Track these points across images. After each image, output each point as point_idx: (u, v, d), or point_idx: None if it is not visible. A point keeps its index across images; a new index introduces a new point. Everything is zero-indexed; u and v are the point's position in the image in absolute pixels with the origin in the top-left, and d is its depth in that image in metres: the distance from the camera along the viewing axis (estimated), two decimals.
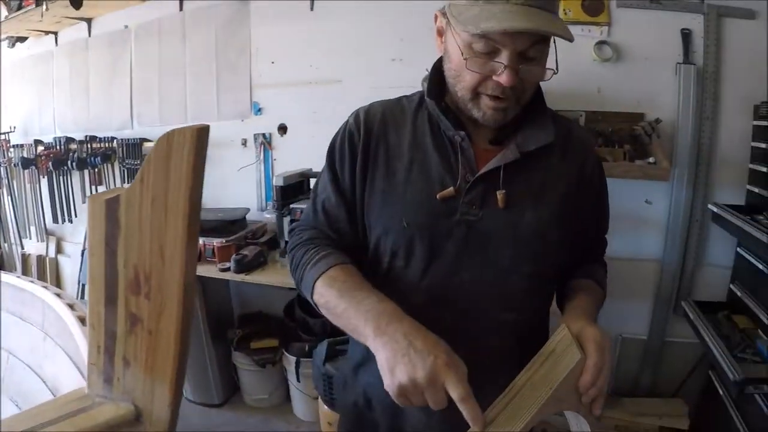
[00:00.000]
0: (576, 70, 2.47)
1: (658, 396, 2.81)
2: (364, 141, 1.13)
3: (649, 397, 2.81)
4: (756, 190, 2.28)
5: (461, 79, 1.00)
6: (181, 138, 0.78)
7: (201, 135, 0.78)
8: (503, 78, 0.92)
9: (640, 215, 2.59)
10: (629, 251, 2.56)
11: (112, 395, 0.90)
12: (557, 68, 0.99)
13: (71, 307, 1.64)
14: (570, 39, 0.91)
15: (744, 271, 2.38)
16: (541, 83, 1.06)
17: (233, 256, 2.71)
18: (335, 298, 0.99)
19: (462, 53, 0.95)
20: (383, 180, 1.11)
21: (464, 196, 1.06)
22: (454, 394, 0.80)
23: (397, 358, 0.84)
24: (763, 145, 2.21)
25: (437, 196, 1.06)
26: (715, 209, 2.31)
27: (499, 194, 1.05)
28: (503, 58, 0.92)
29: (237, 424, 3.04)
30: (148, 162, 0.81)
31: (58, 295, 1.66)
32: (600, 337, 0.94)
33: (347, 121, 1.16)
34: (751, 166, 2.33)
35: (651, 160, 2.23)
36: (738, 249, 2.43)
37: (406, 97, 1.19)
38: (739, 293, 2.35)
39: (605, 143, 2.35)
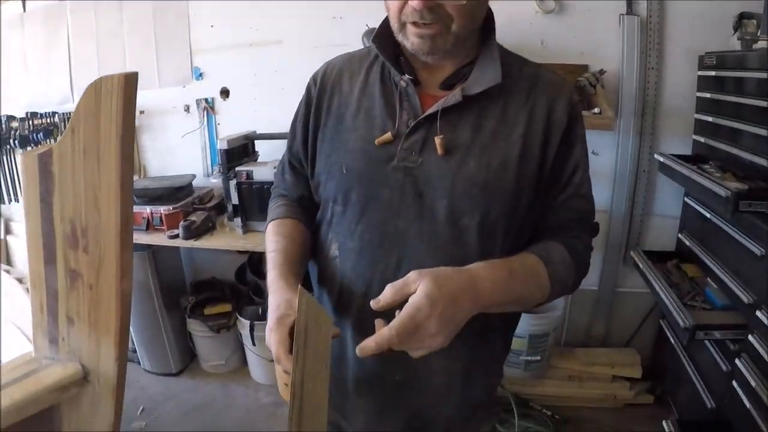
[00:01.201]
0: (519, 23, 2.51)
1: (610, 346, 2.92)
2: (319, 92, 1.18)
3: (602, 347, 2.92)
4: (702, 139, 2.37)
5: (388, 11, 1.01)
6: (109, 85, 0.78)
7: (129, 81, 0.78)
8: (415, 1, 0.93)
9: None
10: None
11: (58, 356, 0.91)
12: None
13: (20, 281, 1.63)
14: None
15: (692, 220, 2.49)
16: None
17: (181, 222, 2.71)
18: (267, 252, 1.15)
19: None
20: (332, 128, 1.15)
21: (403, 142, 1.06)
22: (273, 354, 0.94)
23: None
24: (708, 95, 2.29)
25: (375, 142, 1.07)
26: (661, 159, 2.39)
27: (437, 140, 1.03)
28: None
29: (196, 392, 3.08)
30: (78, 112, 0.80)
31: (7, 271, 1.66)
32: (420, 295, 0.86)
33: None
34: (696, 116, 2.42)
35: (596, 110, 2.29)
36: (685, 198, 2.53)
37: (369, 48, 1.18)
38: (687, 242, 2.46)
39: None
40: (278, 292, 1.04)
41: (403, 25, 1.00)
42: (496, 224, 1.06)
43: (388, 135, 1.06)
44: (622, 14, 2.43)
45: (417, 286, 0.86)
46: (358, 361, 1.13)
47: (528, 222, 1.10)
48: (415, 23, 0.97)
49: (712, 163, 2.20)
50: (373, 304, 0.90)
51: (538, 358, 2.68)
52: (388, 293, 0.89)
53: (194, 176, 3.09)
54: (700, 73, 2.38)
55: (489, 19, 1.09)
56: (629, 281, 2.80)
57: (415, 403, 1.18)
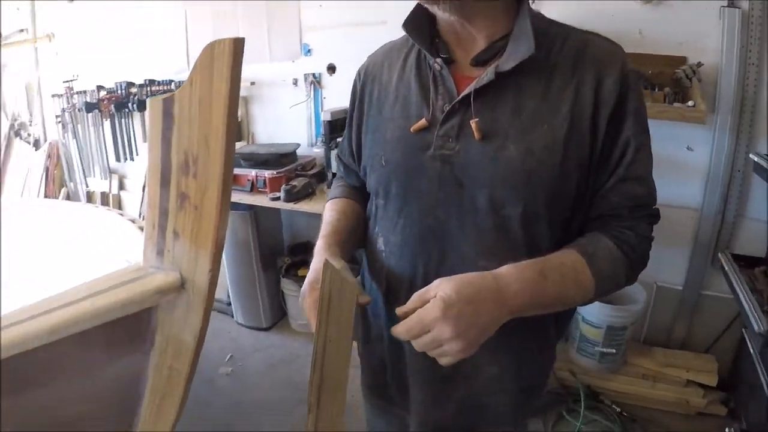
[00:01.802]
0: (618, 12, 2.51)
1: (690, 350, 2.87)
2: (361, 87, 1.21)
3: (681, 350, 2.88)
4: None
5: None
6: (221, 47, 0.95)
7: (237, 44, 0.94)
8: None
9: (681, 161, 2.63)
10: (668, 197, 2.58)
11: (162, 266, 1.10)
12: None
13: (132, 221, 1.92)
14: None
15: None
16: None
17: (283, 186, 2.96)
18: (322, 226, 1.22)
19: None
20: (373, 121, 1.16)
21: (439, 129, 1.02)
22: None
23: None
24: None
25: (411, 130, 1.05)
26: (756, 159, 2.34)
27: (473, 124, 0.98)
28: None
29: (282, 347, 3.35)
30: (196, 67, 0.99)
31: (121, 214, 1.95)
32: (434, 299, 0.87)
33: None
34: None
35: (690, 103, 2.28)
36: None
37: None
38: None
39: (645, 86, 2.40)
40: (317, 258, 1.09)
41: None
42: (541, 214, 1.00)
43: (423, 121, 1.04)
44: (723, 6, 2.39)
45: (437, 292, 0.87)
46: (412, 355, 1.18)
47: (579, 210, 1.03)
48: None
49: None
50: (398, 311, 0.91)
51: (614, 351, 2.68)
52: (412, 300, 0.90)
53: (298, 145, 3.35)
54: None
55: None
56: (716, 285, 2.74)
57: (466, 393, 1.19)
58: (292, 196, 2.92)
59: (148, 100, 1.02)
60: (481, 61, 1.01)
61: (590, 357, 2.75)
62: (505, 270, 0.92)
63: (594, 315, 2.66)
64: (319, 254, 1.10)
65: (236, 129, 1.04)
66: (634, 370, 2.78)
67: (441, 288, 0.87)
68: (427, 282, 0.91)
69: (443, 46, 1.05)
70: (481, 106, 0.98)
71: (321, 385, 0.92)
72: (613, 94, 0.96)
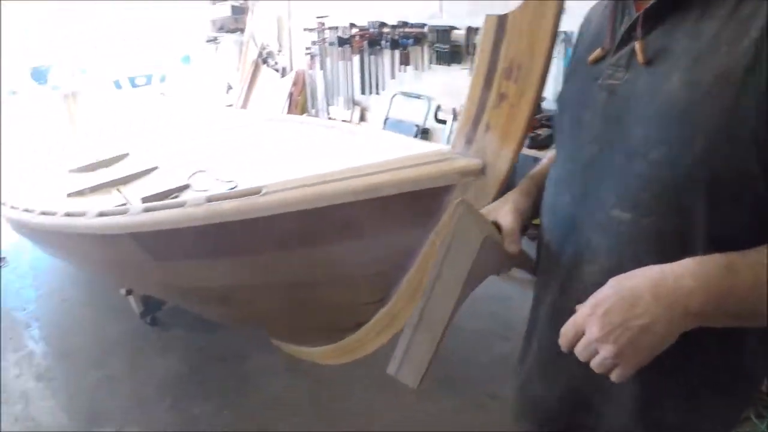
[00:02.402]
0: None
1: None
2: (576, 42, 1.24)
3: None
4: None
5: None
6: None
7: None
8: None
9: None
10: None
11: (468, 153, 1.37)
12: None
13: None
14: None
15: None
16: None
17: (529, 134, 3.30)
18: None
19: None
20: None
21: (611, 57, 0.96)
22: None
23: None
24: None
25: (588, 61, 1.02)
26: None
27: (638, 44, 0.89)
28: None
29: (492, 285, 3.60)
30: (522, 6, 1.20)
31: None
32: (603, 293, 0.81)
33: None
34: None
35: None
36: None
37: None
38: None
39: None
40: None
41: None
42: (700, 166, 0.81)
43: (599, 51, 0.99)
44: None
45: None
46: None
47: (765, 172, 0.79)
48: None
49: None
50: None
51: None
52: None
53: (545, 98, 3.54)
54: None
55: None
56: None
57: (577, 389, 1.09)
58: (536, 143, 3.24)
59: (486, 16, 1.27)
60: None
61: None
62: (679, 263, 0.79)
63: None
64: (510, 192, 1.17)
65: (553, 49, 1.26)
66: None
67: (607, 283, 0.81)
68: (561, 223, 0.94)
69: None
70: (654, 28, 0.89)
71: (419, 320, 0.93)
72: None
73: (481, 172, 1.34)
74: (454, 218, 0.90)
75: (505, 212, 1.09)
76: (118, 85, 10.22)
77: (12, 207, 3.45)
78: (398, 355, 0.96)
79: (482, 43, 1.32)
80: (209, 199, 1.65)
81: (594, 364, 0.80)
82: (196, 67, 8.74)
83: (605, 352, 0.77)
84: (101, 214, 2.21)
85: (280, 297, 2.02)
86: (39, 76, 11.16)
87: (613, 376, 0.79)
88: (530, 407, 1.24)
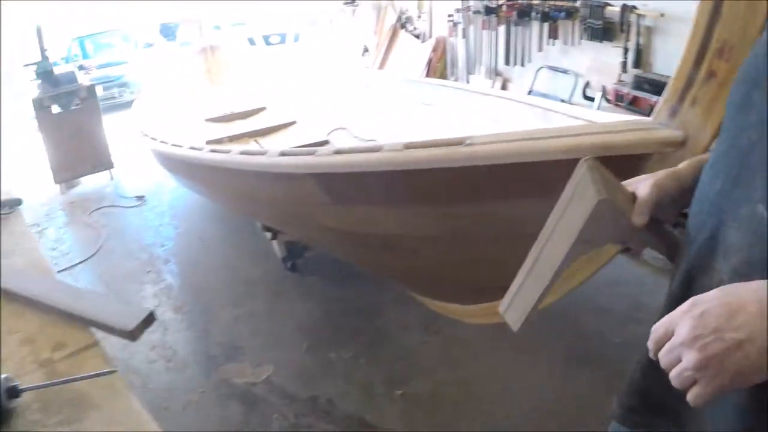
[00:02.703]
0: None
1: None
2: None
3: None
4: None
5: None
6: None
7: None
8: None
9: None
10: None
11: (670, 125, 1.48)
12: None
13: None
14: None
15: None
16: None
17: None
18: None
19: None
20: None
21: None
22: None
23: None
24: None
25: None
26: None
27: None
28: None
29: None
30: None
31: None
32: (708, 294, 0.73)
33: None
34: None
35: None
36: None
37: None
38: None
39: None
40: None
41: None
42: None
43: None
44: None
45: None
46: None
47: None
48: None
49: None
50: None
51: None
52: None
53: None
54: None
55: None
56: None
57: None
58: None
59: (699, 2, 1.37)
60: None
61: None
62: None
63: None
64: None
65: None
66: None
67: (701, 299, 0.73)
68: (705, 218, 0.86)
69: None
70: None
71: (531, 267, 0.93)
72: None
73: (681, 144, 1.45)
74: (577, 175, 0.89)
75: (645, 185, 0.98)
76: (252, 42, 10.75)
77: (173, 144, 3.74)
78: (508, 296, 0.98)
79: (696, 23, 1.43)
80: (407, 146, 1.75)
81: (673, 374, 0.73)
82: (333, 29, 9.03)
83: (687, 361, 0.69)
84: (283, 154, 2.34)
85: (445, 250, 2.12)
86: (168, 32, 11.91)
87: (690, 396, 0.71)
88: (637, 398, 1.11)
